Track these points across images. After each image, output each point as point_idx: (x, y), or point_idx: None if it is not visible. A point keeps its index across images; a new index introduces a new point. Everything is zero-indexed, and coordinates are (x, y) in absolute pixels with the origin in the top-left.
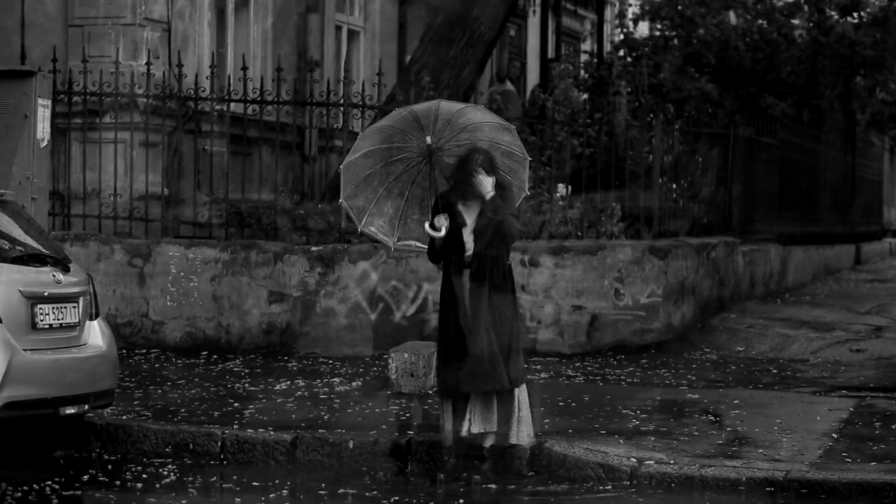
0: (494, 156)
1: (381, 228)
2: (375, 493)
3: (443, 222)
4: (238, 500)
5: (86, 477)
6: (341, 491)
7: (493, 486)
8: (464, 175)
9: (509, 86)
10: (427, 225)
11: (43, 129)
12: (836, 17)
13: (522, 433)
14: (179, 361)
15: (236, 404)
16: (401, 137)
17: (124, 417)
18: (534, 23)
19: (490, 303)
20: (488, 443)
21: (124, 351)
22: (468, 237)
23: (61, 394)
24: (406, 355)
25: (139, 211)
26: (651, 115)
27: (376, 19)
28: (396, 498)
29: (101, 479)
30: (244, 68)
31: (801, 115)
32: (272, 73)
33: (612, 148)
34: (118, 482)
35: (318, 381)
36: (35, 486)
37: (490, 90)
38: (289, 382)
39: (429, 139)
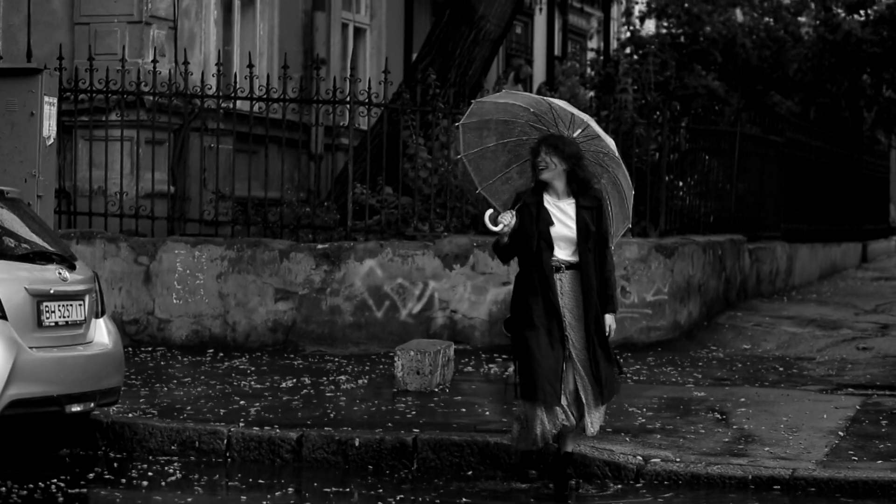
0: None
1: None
2: (381, 491)
3: (508, 219)
4: (244, 498)
5: (91, 475)
6: (347, 489)
7: (499, 483)
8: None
9: (520, 87)
10: (487, 216)
11: (49, 126)
12: (843, 14)
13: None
14: (185, 359)
15: (242, 402)
16: (525, 127)
17: (130, 415)
18: (540, 21)
19: (590, 305)
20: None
21: (130, 349)
22: (561, 234)
23: (67, 392)
24: (412, 353)
25: (145, 209)
26: (657, 113)
27: (382, 17)
28: (402, 496)
29: (106, 476)
30: (250, 66)
31: (808, 112)
32: (278, 71)
33: (619, 145)
34: (123, 480)
35: (324, 378)
36: (40, 483)
37: (503, 89)
38: (294, 380)
39: (572, 133)
